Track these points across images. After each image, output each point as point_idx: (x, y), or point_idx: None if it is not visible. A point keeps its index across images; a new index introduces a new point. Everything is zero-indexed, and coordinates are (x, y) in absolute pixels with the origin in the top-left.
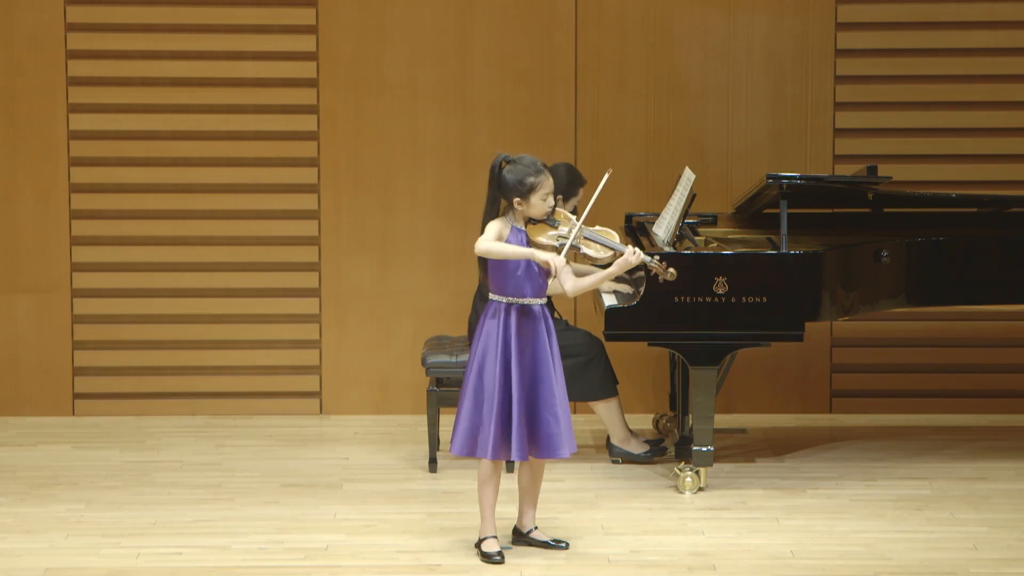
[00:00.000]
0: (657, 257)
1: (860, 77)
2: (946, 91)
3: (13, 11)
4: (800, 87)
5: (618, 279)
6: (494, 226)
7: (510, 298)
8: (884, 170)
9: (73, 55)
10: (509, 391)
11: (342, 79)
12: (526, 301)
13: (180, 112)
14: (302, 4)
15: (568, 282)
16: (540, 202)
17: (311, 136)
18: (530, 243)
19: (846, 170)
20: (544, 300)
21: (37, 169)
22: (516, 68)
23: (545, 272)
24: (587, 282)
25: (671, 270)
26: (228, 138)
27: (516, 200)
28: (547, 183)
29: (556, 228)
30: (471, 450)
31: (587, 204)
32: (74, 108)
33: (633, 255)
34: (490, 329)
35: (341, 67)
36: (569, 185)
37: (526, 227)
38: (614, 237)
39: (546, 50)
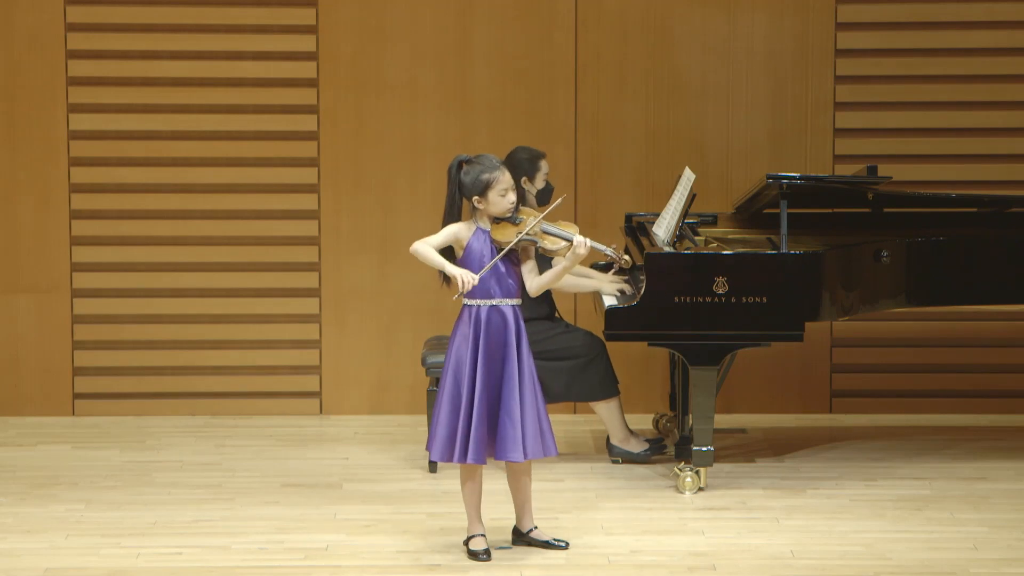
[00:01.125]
0: (614, 246)
1: (860, 77)
2: (946, 91)
3: (13, 11)
4: (800, 87)
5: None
6: (450, 228)
7: (479, 300)
8: (884, 170)
9: (73, 55)
10: (472, 395)
11: (342, 79)
12: (495, 302)
13: (180, 112)
14: (302, 4)
15: (529, 282)
16: (499, 198)
17: (311, 136)
18: (493, 242)
19: (846, 170)
20: (516, 301)
21: (37, 169)
22: (516, 68)
23: (516, 270)
24: (545, 278)
25: (626, 257)
26: (228, 138)
27: (476, 199)
28: (503, 179)
29: (518, 226)
30: (450, 456)
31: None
32: (74, 108)
33: (583, 246)
34: (463, 333)
35: (341, 67)
36: (530, 163)
37: (491, 227)
38: (574, 231)
39: (546, 50)
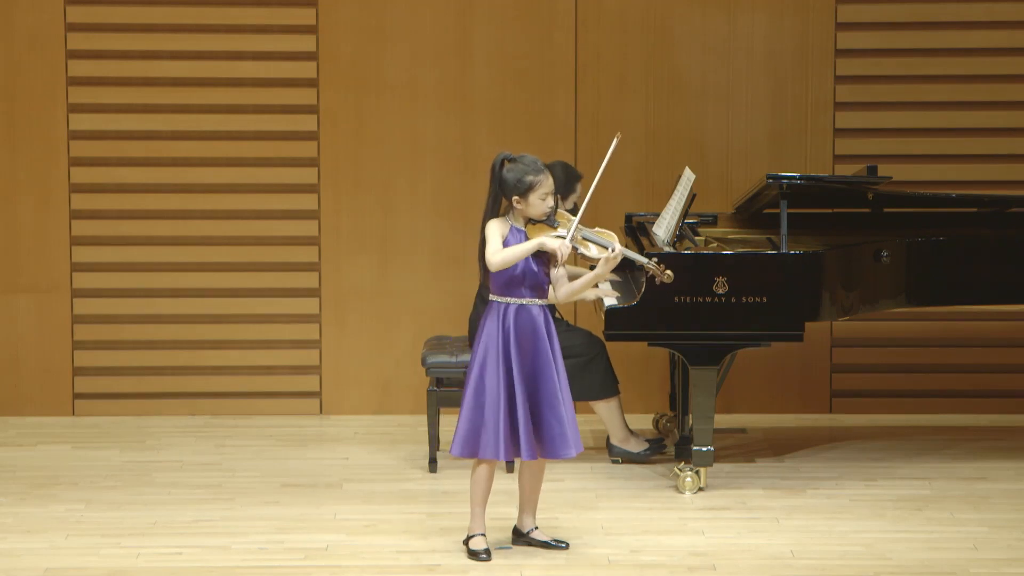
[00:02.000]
0: (655, 259)
1: (860, 77)
2: (946, 91)
3: (13, 11)
4: (800, 87)
5: (618, 275)
6: (495, 229)
7: (510, 299)
8: (884, 170)
9: (73, 55)
10: (512, 392)
11: (342, 79)
12: (525, 301)
13: (180, 112)
14: (302, 4)
15: (561, 288)
16: (539, 201)
17: (311, 136)
18: None
19: (846, 170)
20: (544, 300)
21: (37, 169)
22: (516, 68)
23: (545, 270)
24: (577, 285)
25: (668, 272)
26: (228, 138)
27: (515, 199)
28: (547, 183)
29: (555, 228)
30: (472, 451)
31: (592, 182)
32: (74, 108)
33: (614, 253)
34: (491, 330)
35: (341, 67)
36: (566, 183)
37: (525, 227)
38: (612, 238)
39: (546, 50)
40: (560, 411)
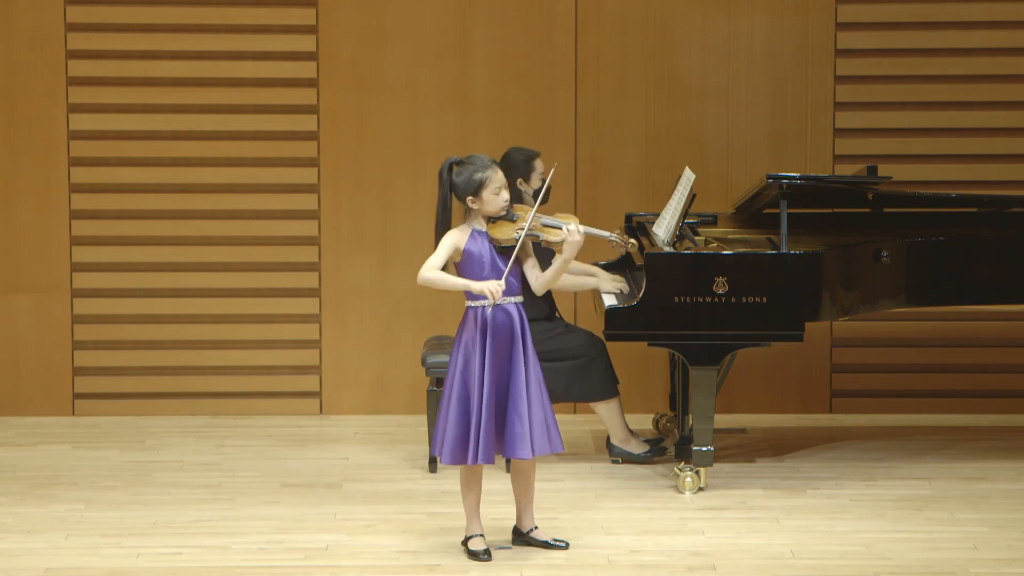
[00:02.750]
0: (617, 231)
1: (860, 77)
2: (946, 91)
3: (13, 11)
4: (800, 87)
5: (621, 277)
6: (447, 239)
7: (482, 301)
8: (884, 170)
9: (73, 55)
10: (482, 395)
11: (342, 79)
12: (500, 300)
13: (180, 112)
14: (302, 4)
15: (532, 279)
16: (493, 196)
17: (311, 136)
18: (492, 241)
19: (846, 170)
20: (519, 298)
21: (37, 169)
22: (516, 68)
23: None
24: (549, 274)
25: (632, 241)
26: (228, 138)
27: (469, 199)
28: (496, 177)
29: (515, 222)
30: (462, 459)
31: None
32: (74, 108)
33: (576, 232)
34: (470, 336)
35: (341, 67)
36: (524, 164)
37: (487, 226)
38: (574, 221)
39: (546, 50)
40: (523, 409)
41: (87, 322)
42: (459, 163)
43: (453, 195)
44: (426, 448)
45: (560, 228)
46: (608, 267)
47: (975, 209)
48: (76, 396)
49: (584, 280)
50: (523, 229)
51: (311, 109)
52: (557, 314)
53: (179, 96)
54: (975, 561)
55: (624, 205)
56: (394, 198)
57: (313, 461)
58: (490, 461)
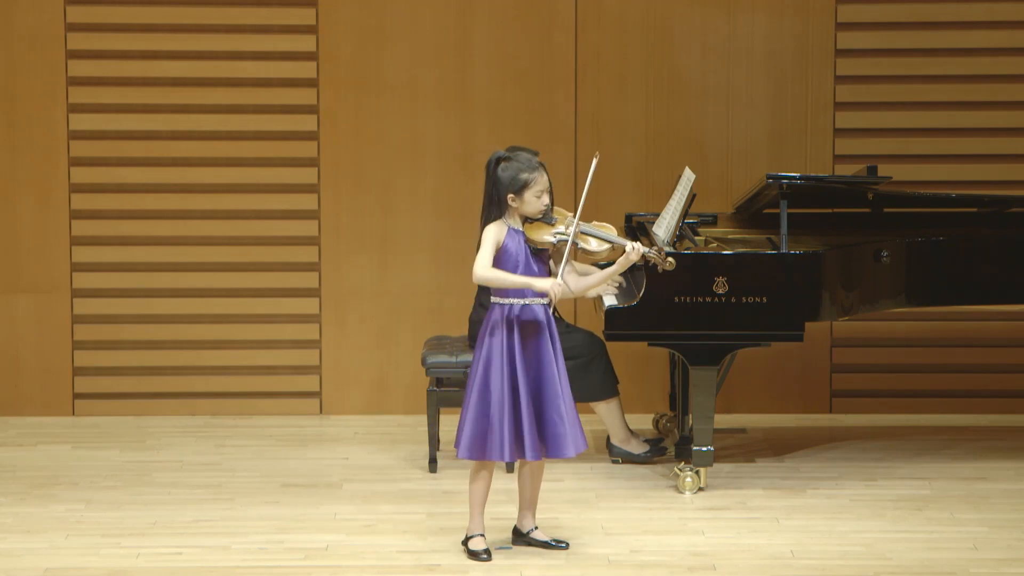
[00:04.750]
0: (656, 248)
1: (860, 77)
2: (946, 91)
3: (13, 11)
4: (800, 87)
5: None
6: (491, 235)
7: (512, 299)
8: (884, 170)
9: (73, 55)
10: (517, 393)
11: (342, 79)
12: (527, 301)
13: (180, 112)
14: (302, 4)
15: (572, 283)
16: (535, 199)
17: (311, 136)
18: (527, 242)
19: (846, 170)
20: (546, 300)
21: (37, 169)
22: (516, 68)
23: (546, 269)
24: (590, 281)
25: (670, 259)
26: (228, 138)
27: (510, 197)
28: (541, 180)
29: (553, 226)
30: (480, 454)
31: (581, 195)
32: (74, 108)
33: (634, 251)
34: (495, 332)
35: (341, 67)
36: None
37: (524, 226)
38: (612, 232)
39: (546, 50)
40: (562, 410)
41: (87, 322)
42: (506, 158)
43: (497, 190)
44: (426, 448)
45: (599, 237)
46: (608, 267)
47: (975, 209)
48: (76, 396)
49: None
50: (564, 235)
51: (311, 109)
52: (557, 314)
53: (179, 96)
54: (975, 561)
55: (624, 205)
56: (394, 198)
57: (313, 461)
58: (512, 459)
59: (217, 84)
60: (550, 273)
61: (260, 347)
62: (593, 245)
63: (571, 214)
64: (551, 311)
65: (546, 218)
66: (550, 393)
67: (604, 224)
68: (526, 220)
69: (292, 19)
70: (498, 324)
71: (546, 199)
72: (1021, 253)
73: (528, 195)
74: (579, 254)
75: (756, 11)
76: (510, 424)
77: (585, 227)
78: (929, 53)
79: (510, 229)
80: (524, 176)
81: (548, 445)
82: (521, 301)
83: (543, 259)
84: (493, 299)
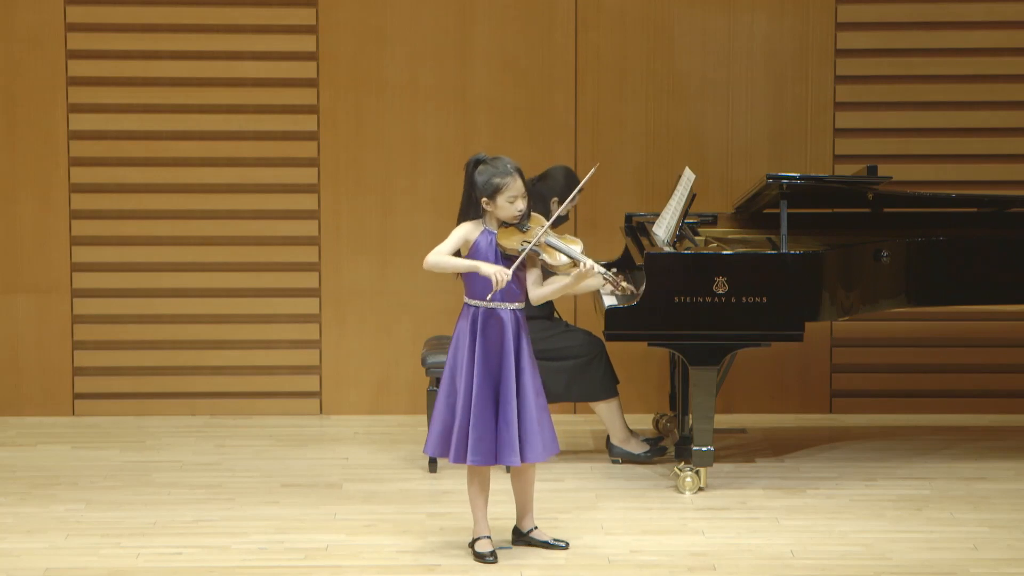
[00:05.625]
0: (614, 270)
1: (860, 77)
2: (946, 91)
3: (13, 11)
4: (800, 87)
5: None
6: (460, 230)
7: (479, 301)
8: (884, 170)
9: (73, 55)
10: (470, 396)
11: (342, 79)
12: (493, 305)
13: (180, 112)
14: (302, 4)
15: (531, 290)
16: (507, 204)
17: (311, 136)
18: (498, 246)
19: (846, 170)
20: (518, 304)
21: (37, 169)
22: (516, 68)
23: (520, 275)
24: (547, 291)
25: (624, 284)
26: (228, 138)
27: (484, 200)
28: (514, 185)
29: (525, 233)
30: (444, 452)
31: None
32: (74, 108)
33: (587, 269)
34: (462, 332)
35: (341, 67)
36: (565, 188)
37: (497, 231)
38: (577, 248)
39: (546, 50)
40: (512, 417)
41: (87, 322)
42: (484, 161)
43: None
44: None
45: (563, 253)
46: (607, 267)
47: (975, 209)
48: (76, 396)
49: (586, 283)
50: (528, 242)
51: (311, 109)
52: (556, 314)
53: (179, 96)
54: (975, 561)
55: (624, 205)
56: (394, 198)
57: (313, 461)
58: (487, 463)
59: (217, 84)
60: (521, 282)
61: (260, 347)
62: (554, 257)
63: (545, 224)
64: (552, 313)
65: (520, 224)
66: (503, 399)
67: (573, 238)
68: (502, 224)
69: (292, 19)
70: (466, 324)
71: (520, 204)
72: (1021, 253)
73: (501, 200)
74: (540, 263)
75: (756, 11)
76: (462, 426)
77: (552, 239)
78: (929, 53)
79: (485, 230)
80: (496, 181)
81: (497, 451)
82: (485, 304)
83: (513, 264)
84: (465, 299)
